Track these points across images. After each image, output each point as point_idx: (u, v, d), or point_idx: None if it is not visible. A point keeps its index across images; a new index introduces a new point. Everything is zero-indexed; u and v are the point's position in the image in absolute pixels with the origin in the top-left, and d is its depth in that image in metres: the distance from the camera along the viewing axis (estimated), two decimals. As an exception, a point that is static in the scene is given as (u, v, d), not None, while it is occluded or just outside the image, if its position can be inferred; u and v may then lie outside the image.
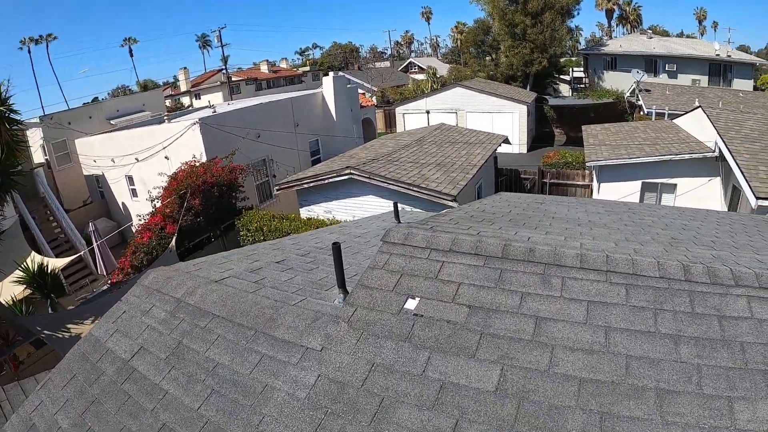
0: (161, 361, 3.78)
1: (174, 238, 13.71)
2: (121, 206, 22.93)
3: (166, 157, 18.97)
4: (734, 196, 14.28)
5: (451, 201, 12.79)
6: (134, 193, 21.71)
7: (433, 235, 3.91)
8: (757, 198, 10.76)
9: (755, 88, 41.85)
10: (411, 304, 3.37)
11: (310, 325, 3.49)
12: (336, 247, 3.78)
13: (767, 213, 9.62)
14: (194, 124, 18.24)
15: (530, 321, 3.19)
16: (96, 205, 24.32)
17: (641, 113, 30.33)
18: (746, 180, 11.36)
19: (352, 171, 14.29)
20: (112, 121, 27.54)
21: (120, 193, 22.64)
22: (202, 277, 4.60)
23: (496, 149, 19.07)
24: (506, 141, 21.59)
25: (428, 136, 19.51)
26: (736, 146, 13.00)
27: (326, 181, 14.90)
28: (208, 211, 15.77)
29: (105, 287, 15.54)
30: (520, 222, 5.33)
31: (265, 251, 5.99)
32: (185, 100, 60.59)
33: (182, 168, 16.29)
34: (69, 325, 10.18)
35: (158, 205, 15.83)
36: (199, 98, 59.58)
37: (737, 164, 12.06)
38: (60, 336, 9.88)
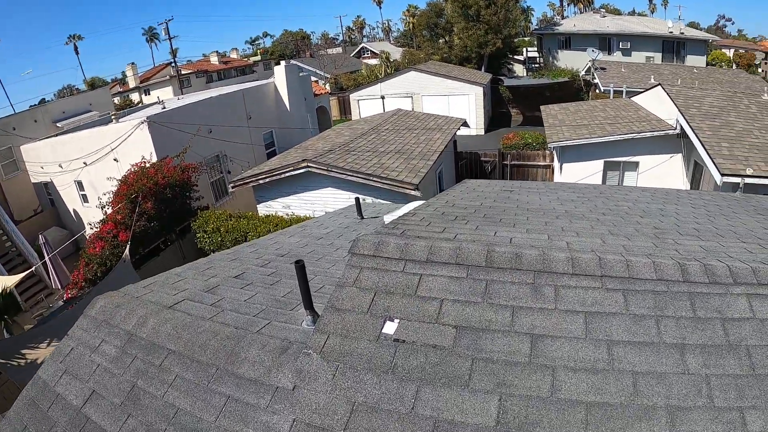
0: (116, 408, 3.31)
1: (128, 246, 12.94)
2: (72, 213, 21.72)
3: (115, 160, 17.98)
4: (696, 172, 14.44)
5: (414, 190, 12.44)
6: (85, 198, 20.53)
7: (407, 243, 3.52)
8: (722, 174, 10.75)
9: (708, 64, 42.82)
10: (390, 328, 2.98)
11: (279, 359, 3.07)
12: (299, 267, 3.36)
13: (737, 190, 9.63)
14: (142, 123, 17.31)
15: (525, 340, 2.86)
16: (47, 214, 22.97)
17: (597, 91, 30.60)
18: (710, 157, 11.34)
19: (309, 164, 13.73)
20: (58, 124, 25.91)
21: (70, 199, 21.43)
22: (153, 303, 4.11)
23: (455, 133, 18.79)
24: (465, 124, 21.35)
25: (385, 123, 19.07)
26: (698, 123, 13.02)
27: (282, 176, 14.30)
28: (162, 215, 14.97)
29: (61, 303, 14.63)
30: (496, 217, 5.00)
31: (222, 263, 5.51)
32: (134, 97, 58.40)
33: (132, 170, 15.42)
34: (24, 351, 9.41)
35: (109, 211, 14.96)
36: (149, 94, 57.50)
37: (700, 141, 12.05)
38: (15, 364, 9.12)
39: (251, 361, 3.14)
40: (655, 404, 2.50)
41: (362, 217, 8.98)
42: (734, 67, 44.75)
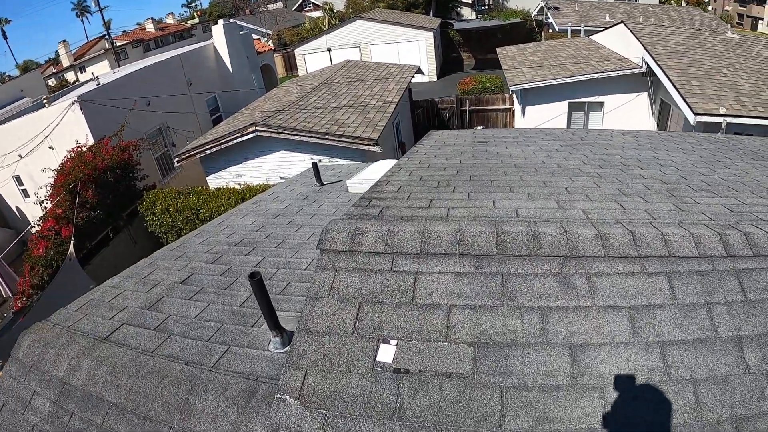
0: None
1: (71, 243, 11.74)
2: (15, 211, 19.88)
3: (50, 148, 16.36)
4: (663, 111, 14.08)
5: (373, 146, 11.60)
6: (26, 193, 18.64)
7: (391, 230, 2.76)
8: (696, 114, 10.35)
9: (661, 2, 42.28)
10: (386, 354, 2.24)
11: (246, 410, 2.33)
12: (256, 283, 2.54)
13: (718, 131, 9.19)
14: (73, 103, 15.66)
15: (563, 353, 2.20)
16: (-13, 215, 21.10)
17: (551, 32, 29.91)
18: (682, 96, 10.89)
19: (257, 128, 12.58)
20: None
21: (11, 196, 19.50)
22: (86, 336, 3.28)
23: (410, 81, 17.84)
24: (419, 71, 20.32)
25: (335, 76, 17.92)
26: (666, 62, 12.51)
27: (230, 144, 13.10)
28: (105, 201, 13.67)
29: (11, 314, 13.30)
30: (485, 180, 4.25)
31: (166, 263, 4.66)
32: (70, 76, 54.67)
33: (68, 157, 13.97)
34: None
35: (49, 206, 13.59)
36: (84, 71, 53.57)
37: (670, 80, 11.56)
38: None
39: (211, 415, 2.40)
40: (721, 417, 2.01)
41: (322, 184, 8.13)
42: (684, 4, 44.49)
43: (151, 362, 2.88)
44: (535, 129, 8.31)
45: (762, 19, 53.50)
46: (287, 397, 2.17)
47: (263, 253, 4.66)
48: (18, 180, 18.75)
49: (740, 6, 57.28)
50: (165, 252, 5.17)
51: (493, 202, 3.44)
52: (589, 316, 2.33)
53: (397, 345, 2.26)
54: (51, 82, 45.30)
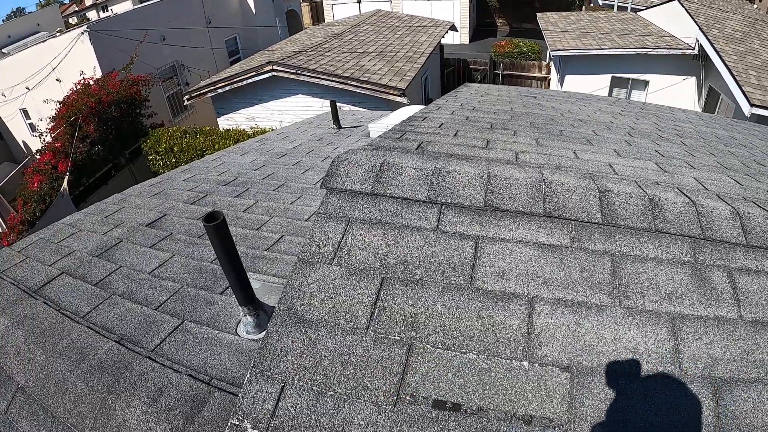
0: None
1: (66, 178, 10.90)
2: (23, 145, 19.08)
3: (57, 80, 15.40)
4: (710, 98, 12.89)
5: (400, 96, 10.55)
6: (32, 128, 17.88)
7: (439, 168, 1.81)
8: (752, 105, 9.23)
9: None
10: (422, 372, 1.32)
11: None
12: (215, 229, 1.58)
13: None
14: (82, 33, 14.61)
15: (704, 392, 1.30)
16: (-5, 149, 20.25)
17: (591, 4, 28.17)
18: (738, 84, 9.74)
19: (274, 67, 11.52)
20: (4, 50, 22.68)
21: (18, 130, 18.70)
22: (15, 285, 2.47)
23: (442, 36, 16.61)
24: (453, 28, 18.97)
25: (364, 24, 16.72)
26: (722, 46, 11.32)
27: (244, 83, 12.06)
28: (108, 137, 12.84)
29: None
30: (552, 129, 3.25)
31: (139, 201, 3.76)
32: (92, 15, 53.02)
33: (74, 89, 13.10)
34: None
35: (49, 139, 12.75)
36: (107, 10, 52.15)
37: (726, 66, 10.39)
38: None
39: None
40: None
41: (339, 126, 7.11)
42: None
43: (76, 332, 2.03)
44: (585, 93, 7.27)
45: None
46: (248, 426, 1.26)
47: (257, 196, 3.74)
48: (25, 113, 18.06)
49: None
50: (141, 187, 4.26)
51: (574, 152, 2.47)
52: (735, 335, 1.42)
53: (441, 358, 1.34)
54: (73, 20, 43.73)
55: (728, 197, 1.91)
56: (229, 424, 1.27)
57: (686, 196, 1.81)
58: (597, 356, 1.35)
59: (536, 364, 1.32)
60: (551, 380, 1.30)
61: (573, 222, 1.64)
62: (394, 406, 1.27)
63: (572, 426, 1.22)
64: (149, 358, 1.82)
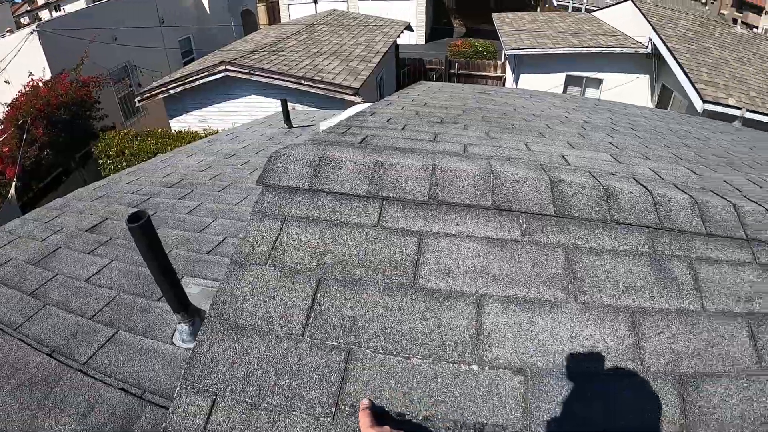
0: None
1: (13, 184, 10.40)
2: None
3: (6, 82, 14.75)
4: (663, 95, 13.30)
5: (354, 95, 10.44)
6: None
7: (380, 161, 1.69)
8: (704, 101, 9.58)
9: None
10: (361, 378, 1.19)
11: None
12: (139, 230, 1.42)
13: (734, 121, 8.47)
14: (31, 33, 14.01)
15: (669, 389, 1.25)
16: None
17: (547, 5, 28.62)
18: (690, 81, 10.10)
19: (227, 67, 11.23)
20: None
21: None
22: None
23: (398, 36, 16.57)
24: (408, 28, 18.92)
25: (319, 23, 16.52)
26: (675, 44, 11.72)
27: (197, 83, 11.73)
28: (57, 141, 12.31)
29: None
30: (503, 123, 3.17)
31: (80, 204, 3.55)
32: (45, 15, 51.33)
33: (22, 92, 12.56)
34: None
35: None
36: (59, 9, 50.59)
37: (679, 64, 10.76)
38: None
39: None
40: None
41: (291, 126, 6.92)
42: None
43: (8, 346, 1.86)
44: (539, 90, 7.27)
45: (757, 27, 53.03)
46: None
47: (201, 198, 3.55)
48: (-28, 118, 17.14)
49: (736, 12, 56.63)
50: (85, 191, 4.03)
51: (526, 144, 2.39)
52: (698, 327, 1.35)
53: (383, 365, 1.21)
54: (25, 20, 42.15)
55: (686, 186, 1.85)
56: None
57: (642, 185, 1.74)
58: (552, 356, 1.24)
59: (487, 368, 1.21)
60: (503, 384, 1.19)
61: (524, 214, 1.54)
62: (333, 418, 1.14)
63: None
64: (80, 371, 1.67)
